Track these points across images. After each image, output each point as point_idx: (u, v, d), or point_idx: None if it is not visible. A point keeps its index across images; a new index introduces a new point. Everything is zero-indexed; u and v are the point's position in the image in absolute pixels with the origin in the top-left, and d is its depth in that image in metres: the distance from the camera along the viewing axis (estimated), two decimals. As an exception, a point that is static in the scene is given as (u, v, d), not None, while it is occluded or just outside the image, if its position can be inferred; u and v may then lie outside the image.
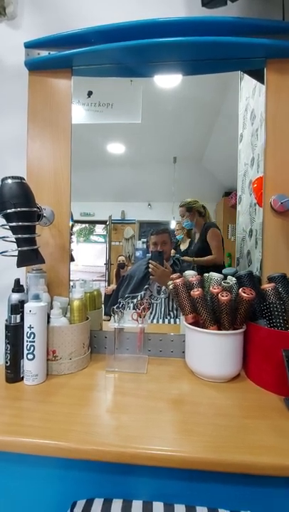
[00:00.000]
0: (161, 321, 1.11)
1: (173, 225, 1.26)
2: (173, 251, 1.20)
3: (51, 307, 0.78)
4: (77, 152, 0.95)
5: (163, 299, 1.12)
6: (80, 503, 0.44)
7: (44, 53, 0.91)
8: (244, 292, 0.66)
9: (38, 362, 0.69)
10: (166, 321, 1.11)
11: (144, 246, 1.26)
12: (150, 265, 1.11)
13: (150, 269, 1.11)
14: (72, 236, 1.23)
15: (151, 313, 1.14)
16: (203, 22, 0.82)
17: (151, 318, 1.12)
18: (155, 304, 1.13)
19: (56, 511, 0.51)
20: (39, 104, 0.93)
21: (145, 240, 1.23)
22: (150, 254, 1.16)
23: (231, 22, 0.83)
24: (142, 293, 1.11)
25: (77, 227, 1.27)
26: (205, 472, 0.47)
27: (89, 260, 1.26)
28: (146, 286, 1.13)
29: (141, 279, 1.15)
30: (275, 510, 0.47)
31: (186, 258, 1.17)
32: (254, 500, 0.48)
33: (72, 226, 1.04)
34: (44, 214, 0.86)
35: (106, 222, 1.25)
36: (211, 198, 1.26)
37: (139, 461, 0.47)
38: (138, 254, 1.25)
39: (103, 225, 1.27)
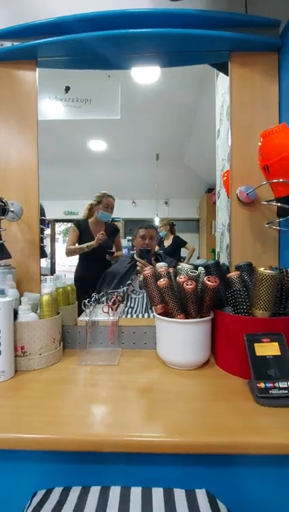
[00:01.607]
0: (142, 315, 1.12)
1: (157, 222, 1.26)
2: (157, 247, 1.21)
3: (20, 303, 0.77)
4: (58, 149, 0.94)
5: (145, 294, 1.12)
6: (40, 493, 0.44)
7: (7, 44, 0.89)
8: (209, 280, 0.68)
9: (5, 358, 0.67)
10: (147, 315, 1.12)
11: (130, 244, 1.26)
12: (138, 263, 1.11)
13: (138, 268, 1.11)
14: (59, 236, 1.22)
15: (132, 308, 1.14)
16: (169, 14, 0.83)
17: (132, 313, 1.13)
18: (137, 299, 1.14)
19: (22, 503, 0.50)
20: (3, 96, 0.91)
21: (130, 238, 1.23)
22: (135, 252, 1.16)
23: (196, 15, 0.84)
24: (125, 288, 1.11)
25: (62, 227, 1.26)
26: (164, 455, 0.48)
27: (75, 260, 1.24)
28: (128, 282, 1.13)
29: (123, 275, 1.15)
30: (228, 487, 0.49)
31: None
32: (209, 478, 0.49)
33: (47, 222, 1.02)
34: (11, 209, 0.85)
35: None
36: (194, 194, 1.28)
37: (104, 448, 0.47)
38: (124, 252, 1.26)
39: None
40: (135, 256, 1.15)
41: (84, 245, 1.17)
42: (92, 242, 1.17)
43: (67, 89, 1.01)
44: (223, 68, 0.95)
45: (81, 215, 1.23)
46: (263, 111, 0.87)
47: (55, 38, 0.84)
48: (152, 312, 1.09)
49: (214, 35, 0.84)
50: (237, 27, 0.84)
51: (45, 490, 0.44)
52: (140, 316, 1.12)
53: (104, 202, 1.18)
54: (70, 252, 1.22)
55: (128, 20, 0.82)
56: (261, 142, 0.71)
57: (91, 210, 1.20)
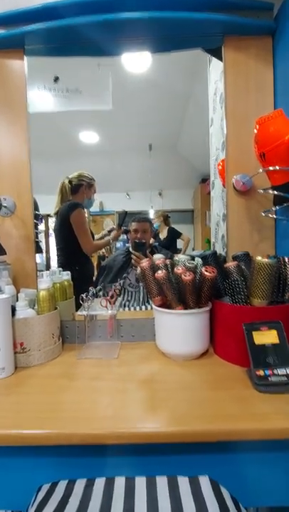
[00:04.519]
0: (138, 308, 1.12)
1: (152, 214, 1.25)
2: (152, 239, 1.21)
3: (18, 300, 0.76)
4: (48, 142, 0.92)
5: (141, 287, 1.12)
6: (45, 487, 0.44)
7: (-8, 32, 0.85)
8: (206, 271, 0.67)
9: (4, 355, 0.67)
10: (144, 308, 1.12)
11: (125, 237, 1.25)
12: (133, 256, 1.10)
13: (133, 261, 1.11)
14: (53, 231, 1.18)
15: (129, 301, 1.14)
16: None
17: (130, 306, 1.12)
18: (134, 292, 1.14)
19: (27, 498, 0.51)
20: (-9, 87, 0.87)
21: (126, 227, 1.21)
22: (130, 245, 1.15)
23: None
24: (121, 281, 1.10)
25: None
26: (166, 444, 0.48)
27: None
28: (124, 275, 1.13)
29: (119, 269, 1.15)
30: (231, 473, 0.50)
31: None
32: (212, 465, 0.50)
33: (40, 217, 1.00)
34: (4, 204, 0.83)
35: (84, 214, 1.21)
36: (188, 185, 1.26)
37: (107, 440, 0.48)
38: (119, 245, 1.25)
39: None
40: (130, 249, 1.15)
41: (110, 237, 1.07)
42: (115, 233, 1.07)
43: (56, 79, 0.98)
44: (216, 53, 0.93)
45: (52, 192, 1.05)
46: (258, 96, 0.85)
47: (41, 24, 0.81)
48: (149, 305, 1.09)
49: (209, 18, 0.81)
50: (230, 10, 0.82)
51: (50, 484, 0.45)
52: (138, 309, 1.12)
53: (94, 187, 1.10)
54: (98, 248, 1.12)
55: (118, 3, 0.79)
56: (257, 129, 0.70)
57: (79, 190, 1.04)
